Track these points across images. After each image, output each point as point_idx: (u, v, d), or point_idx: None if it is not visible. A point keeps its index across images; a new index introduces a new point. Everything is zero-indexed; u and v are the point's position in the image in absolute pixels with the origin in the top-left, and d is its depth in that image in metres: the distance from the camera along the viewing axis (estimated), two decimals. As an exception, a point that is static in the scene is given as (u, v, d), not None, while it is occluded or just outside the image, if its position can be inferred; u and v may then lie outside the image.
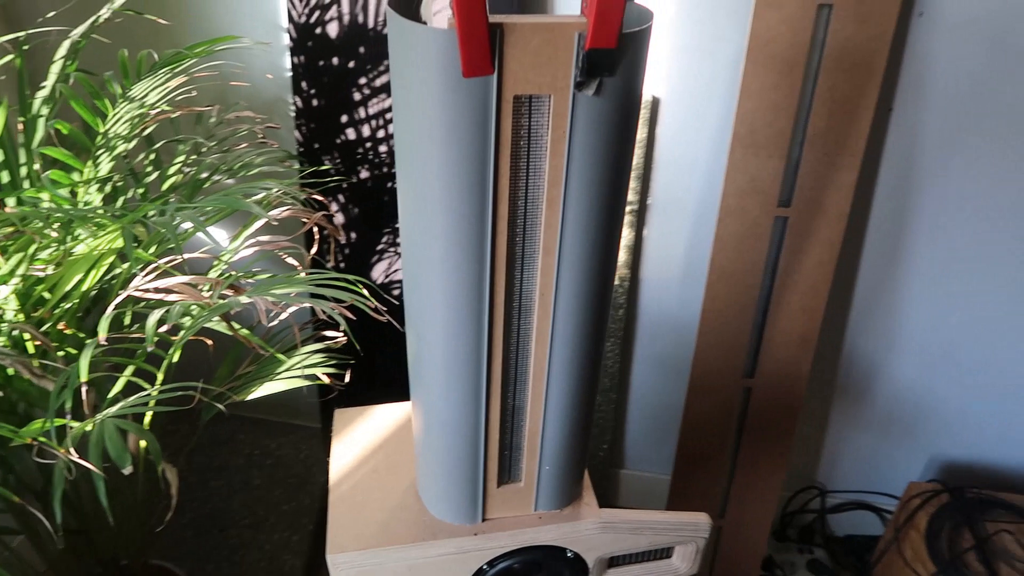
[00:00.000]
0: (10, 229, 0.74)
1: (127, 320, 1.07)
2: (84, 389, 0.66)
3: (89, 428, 0.76)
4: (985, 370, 1.49)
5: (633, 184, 1.32)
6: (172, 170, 1.19)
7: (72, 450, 0.66)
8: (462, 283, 0.61)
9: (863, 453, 1.68)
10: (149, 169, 1.20)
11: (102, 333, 0.68)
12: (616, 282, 1.43)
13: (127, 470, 0.71)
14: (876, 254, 1.37)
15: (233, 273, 1.00)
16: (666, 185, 1.35)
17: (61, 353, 0.96)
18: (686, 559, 0.89)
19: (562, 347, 0.67)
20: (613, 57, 0.51)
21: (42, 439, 0.68)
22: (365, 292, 0.83)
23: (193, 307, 0.90)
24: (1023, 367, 1.48)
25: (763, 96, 1.17)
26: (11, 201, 0.92)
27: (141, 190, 1.15)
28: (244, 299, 0.75)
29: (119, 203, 1.09)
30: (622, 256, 1.40)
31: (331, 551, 0.77)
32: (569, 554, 0.82)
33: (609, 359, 1.51)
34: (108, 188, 1.06)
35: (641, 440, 1.69)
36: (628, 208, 1.35)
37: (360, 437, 0.92)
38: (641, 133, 1.28)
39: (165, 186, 1.17)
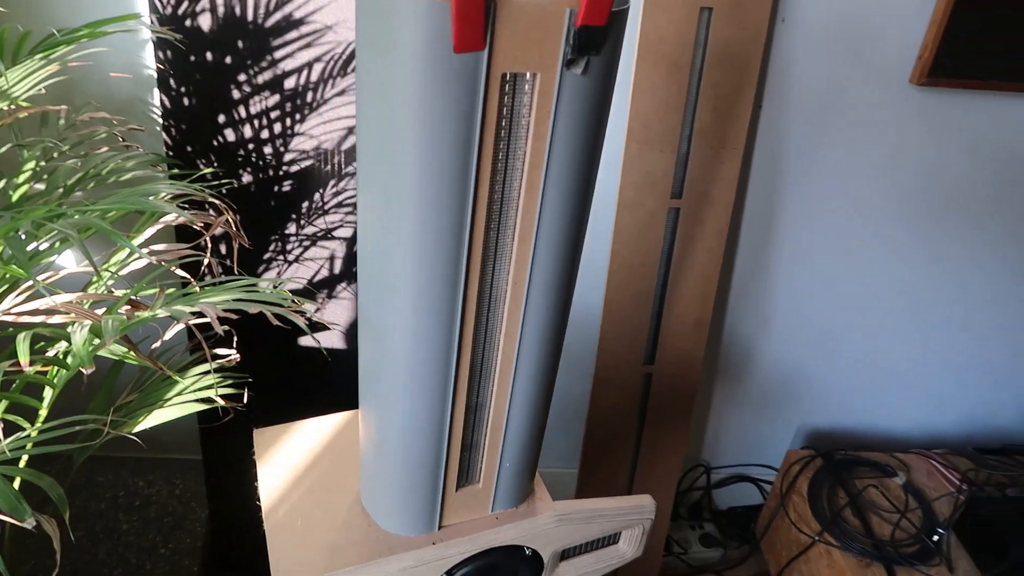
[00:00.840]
0: None
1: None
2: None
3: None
4: (842, 344, 1.66)
5: (532, 181, 1.33)
6: (22, 178, 1.04)
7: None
8: (435, 276, 0.57)
9: (742, 428, 1.80)
10: (-10, 177, 1.04)
11: (23, 357, 0.57)
12: (516, 280, 1.43)
13: (29, 523, 0.60)
14: (751, 241, 1.48)
15: (123, 290, 0.89)
16: (561, 182, 1.37)
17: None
18: (632, 542, 0.90)
19: (530, 338, 0.65)
20: (602, 35, 0.50)
21: None
22: (294, 299, 0.77)
23: (73, 329, 0.78)
24: (874, 342, 1.66)
25: (654, 94, 1.22)
26: None
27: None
28: (186, 308, 0.66)
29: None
30: (521, 254, 1.40)
31: (279, 582, 0.70)
32: (527, 551, 0.81)
33: (510, 358, 1.51)
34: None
35: (548, 436, 1.70)
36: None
37: (287, 457, 0.85)
38: (538, 130, 1.29)
39: (16, 195, 1.02)
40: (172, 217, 0.85)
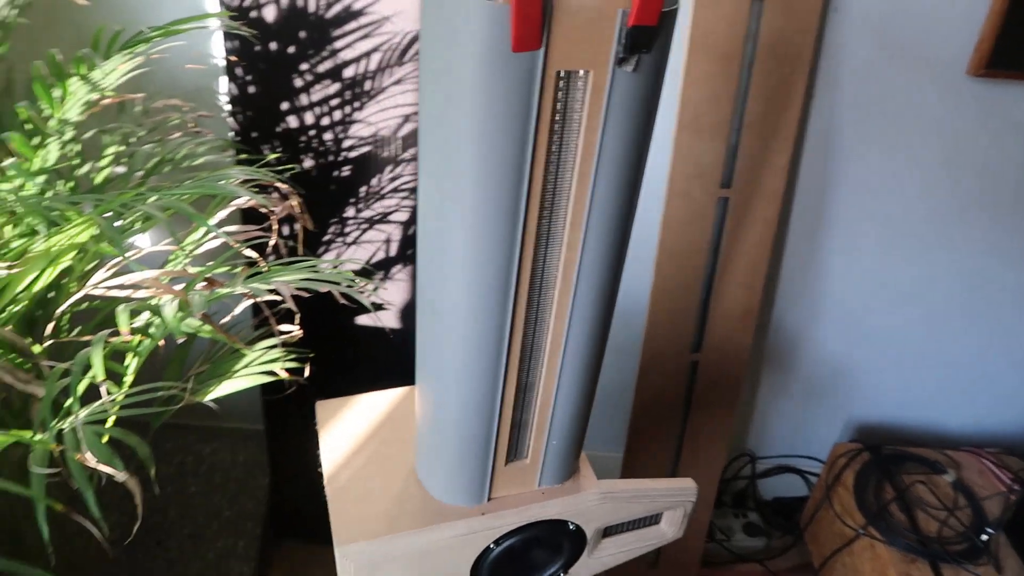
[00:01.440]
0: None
1: (66, 321, 0.99)
2: (80, 386, 0.61)
3: (57, 435, 0.70)
4: (896, 337, 1.64)
5: (583, 169, 1.35)
6: (104, 162, 1.11)
7: (87, 456, 0.62)
8: (491, 259, 0.61)
9: (789, 419, 1.80)
10: (77, 162, 1.12)
11: (123, 326, 0.63)
12: (565, 266, 1.46)
13: (121, 475, 0.67)
14: (801, 231, 1.47)
15: (192, 268, 0.95)
16: (611, 170, 1.39)
17: (6, 360, 0.88)
18: (674, 523, 0.93)
19: (579, 321, 0.68)
20: (653, 34, 0.53)
21: (45, 444, 0.62)
22: (358, 280, 0.81)
23: (166, 304, 0.85)
24: (928, 336, 1.64)
25: (705, 84, 1.23)
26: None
27: (70, 184, 1.07)
28: (261, 286, 0.71)
29: (47, 196, 1.01)
30: (570, 241, 1.43)
31: (339, 543, 0.75)
32: (571, 526, 0.84)
33: (557, 343, 1.54)
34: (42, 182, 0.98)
35: (592, 420, 1.73)
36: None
37: (349, 428, 0.91)
38: (590, 119, 1.31)
39: (99, 179, 1.09)
40: (243, 200, 0.91)
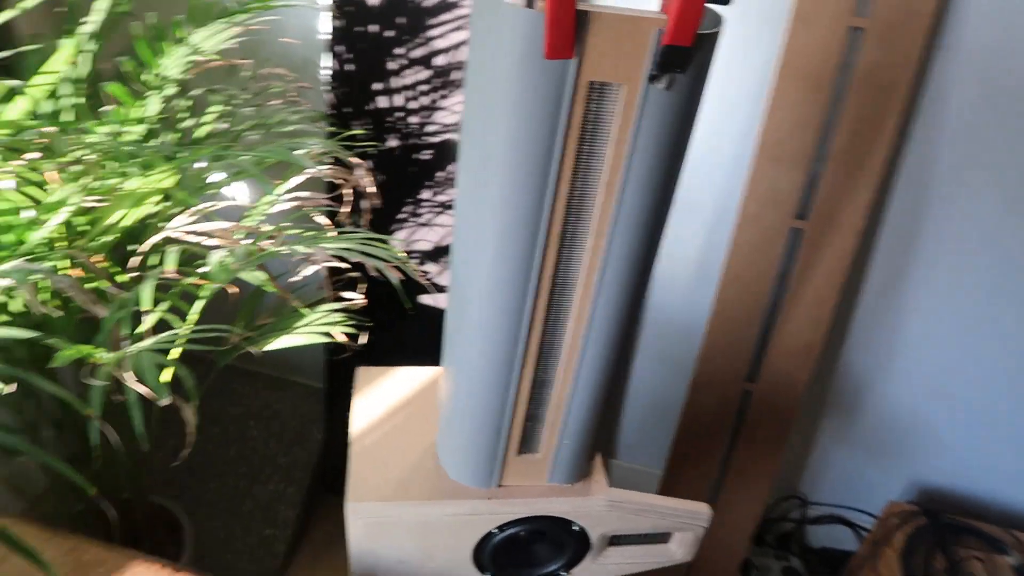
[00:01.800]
0: (68, 160, 0.76)
1: (156, 260, 1.09)
2: (143, 317, 0.68)
3: (121, 359, 0.78)
4: (975, 401, 1.54)
5: (657, 181, 1.35)
6: (207, 119, 1.20)
7: (128, 376, 0.69)
8: (515, 255, 0.63)
9: (846, 468, 1.72)
10: (185, 115, 1.21)
11: (169, 265, 0.70)
12: (629, 275, 1.46)
13: (164, 402, 0.74)
14: (883, 273, 1.41)
15: (268, 226, 1.02)
16: (687, 187, 1.38)
17: (92, 285, 0.97)
18: (683, 545, 0.93)
19: (598, 327, 0.70)
20: (687, 55, 0.54)
21: (100, 359, 0.70)
22: (404, 256, 0.86)
23: (233, 253, 0.92)
24: (1011, 404, 1.53)
25: (791, 110, 1.20)
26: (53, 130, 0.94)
27: (177, 135, 1.17)
28: (303, 248, 0.77)
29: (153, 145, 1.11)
30: (637, 250, 1.43)
31: (352, 499, 0.80)
32: (575, 527, 0.86)
33: (612, 350, 1.54)
34: (144, 131, 1.08)
35: (635, 432, 1.72)
36: (649, 204, 1.38)
37: (382, 396, 0.95)
38: (671, 132, 1.30)
39: (200, 133, 1.19)
40: (316, 170, 0.97)
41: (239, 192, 1.62)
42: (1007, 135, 1.24)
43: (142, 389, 0.67)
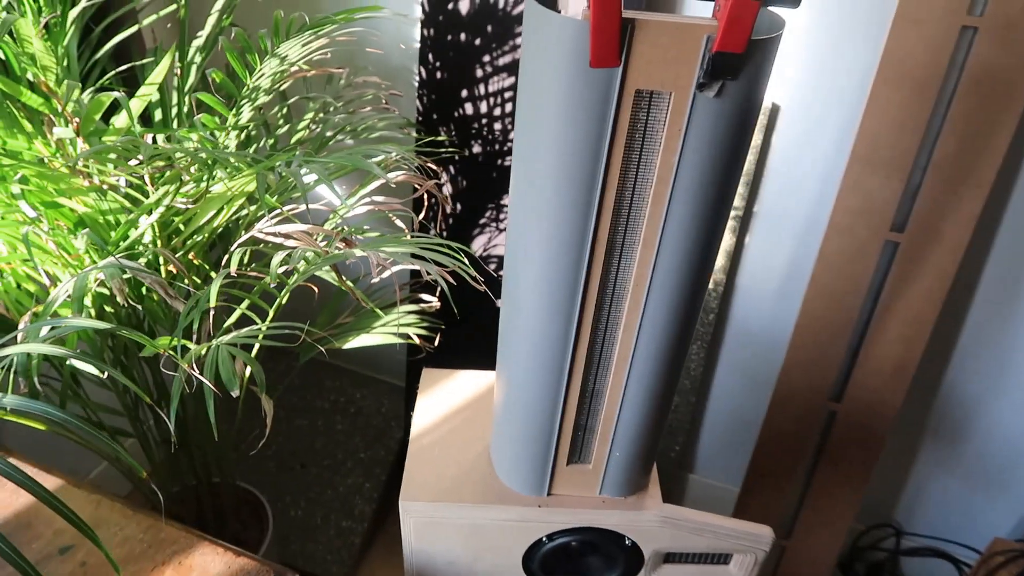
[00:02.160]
0: (162, 163, 0.83)
1: (246, 259, 1.16)
2: (211, 314, 0.73)
3: (205, 351, 0.84)
4: (1098, 432, 1.40)
5: (740, 190, 1.30)
6: (301, 125, 1.27)
7: (194, 365, 0.74)
8: (561, 264, 0.63)
9: (947, 498, 1.60)
10: (281, 122, 1.29)
11: (234, 266, 0.75)
12: (710, 286, 1.42)
13: (235, 393, 0.78)
14: (993, 292, 1.30)
15: (347, 228, 1.07)
16: (775, 194, 1.33)
17: (187, 281, 1.05)
18: (743, 568, 0.89)
19: (648, 339, 0.69)
20: (739, 62, 0.52)
21: (171, 352, 0.76)
22: (466, 261, 0.87)
23: (308, 254, 0.97)
24: None
25: (889, 115, 1.13)
26: (161, 138, 1.01)
27: (272, 141, 1.23)
28: (359, 252, 0.80)
29: (251, 150, 1.18)
30: (720, 261, 1.39)
31: (404, 498, 0.82)
32: (627, 542, 0.84)
33: (693, 362, 1.50)
34: (243, 136, 1.15)
35: (714, 447, 1.67)
36: (733, 213, 1.33)
37: (444, 397, 0.97)
38: (756, 139, 1.26)
39: (293, 139, 1.25)
40: (393, 175, 1.00)
41: (333, 195, 1.69)
42: None
43: (208, 382, 0.71)
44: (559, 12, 0.53)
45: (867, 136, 1.15)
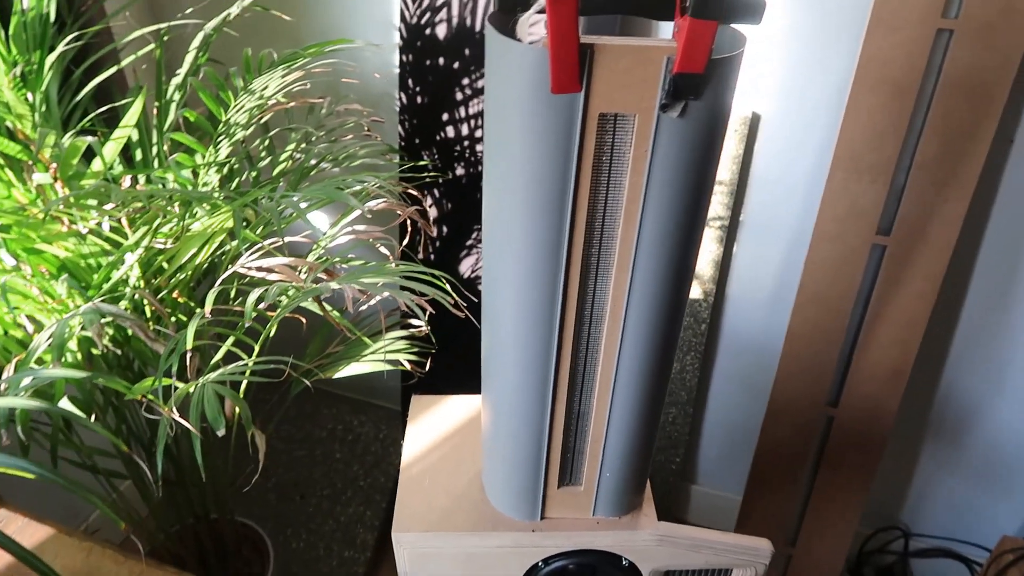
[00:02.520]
0: (139, 205, 0.83)
1: (232, 294, 1.15)
2: (188, 355, 0.73)
3: (191, 390, 0.84)
4: (1099, 425, 1.39)
5: (725, 200, 1.30)
6: (283, 156, 1.27)
7: (174, 409, 0.73)
8: (536, 288, 0.63)
9: (954, 498, 1.59)
10: (263, 154, 1.29)
11: (208, 306, 0.75)
12: (700, 297, 1.41)
13: (220, 432, 0.78)
14: (984, 290, 1.30)
15: (329, 258, 1.07)
16: (761, 203, 1.33)
17: (174, 319, 1.04)
18: (743, 583, 0.88)
19: (629, 359, 0.68)
20: (700, 81, 0.52)
21: (150, 396, 0.75)
22: (447, 287, 0.87)
23: (291, 287, 0.97)
24: None
25: (869, 120, 1.13)
26: (142, 178, 1.02)
27: (254, 173, 1.24)
28: (334, 285, 0.80)
29: (234, 185, 1.18)
30: (709, 271, 1.38)
31: (396, 530, 0.81)
32: (624, 562, 0.83)
33: (688, 373, 1.50)
34: (225, 170, 1.15)
35: (715, 457, 1.66)
36: (719, 224, 1.33)
37: (434, 424, 0.97)
38: (738, 149, 1.26)
39: (276, 171, 1.25)
40: (372, 204, 1.00)
41: (322, 222, 1.69)
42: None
43: (189, 425, 0.71)
44: (518, 39, 0.53)
45: (849, 141, 1.15)
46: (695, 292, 1.41)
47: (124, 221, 0.83)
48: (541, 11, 0.52)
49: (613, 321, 0.66)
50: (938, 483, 1.58)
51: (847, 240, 1.20)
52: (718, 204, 1.31)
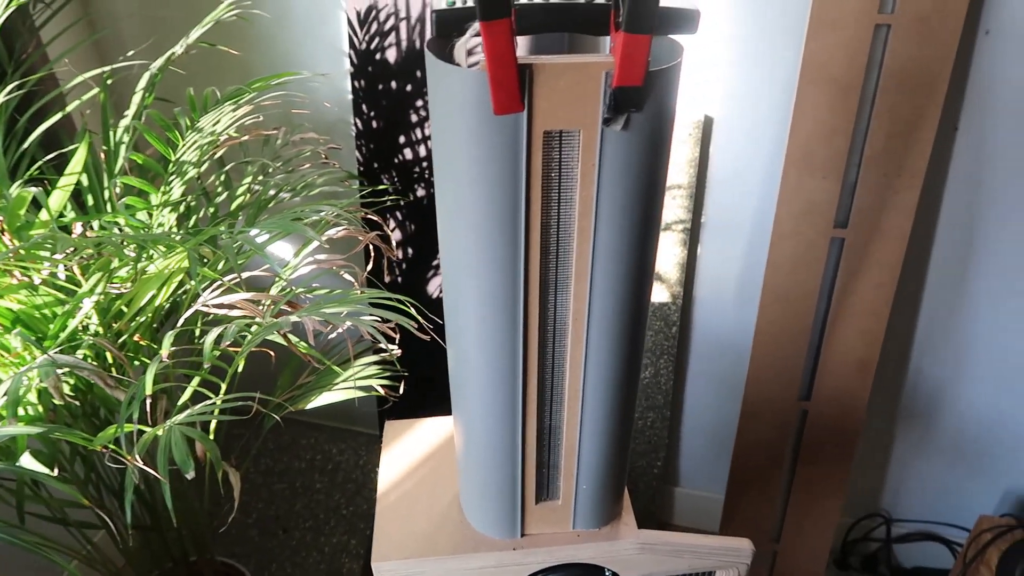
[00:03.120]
0: (90, 251, 0.81)
1: (197, 333, 1.14)
2: (148, 401, 0.72)
3: (160, 434, 0.82)
4: (1063, 398, 1.42)
5: (685, 203, 1.32)
6: (240, 190, 1.26)
7: (138, 456, 0.72)
8: (496, 306, 0.63)
9: (932, 482, 1.61)
10: (220, 189, 1.27)
11: (164, 350, 0.74)
12: (669, 300, 1.42)
13: (190, 475, 0.76)
14: (942, 276, 1.33)
15: (292, 289, 1.06)
16: (720, 204, 1.34)
17: (137, 363, 1.03)
18: (727, 584, 0.88)
19: (596, 368, 0.68)
20: (640, 94, 0.52)
21: (112, 446, 0.74)
22: (413, 311, 0.87)
23: (253, 322, 0.96)
24: (1105, 396, 1.40)
25: (818, 117, 1.16)
26: (96, 223, 1.00)
27: (212, 209, 1.22)
28: (294, 317, 0.79)
29: (192, 222, 1.17)
30: (675, 274, 1.40)
31: (376, 559, 0.80)
32: (608, 573, 0.83)
33: (663, 376, 1.51)
34: (182, 208, 1.14)
35: (695, 458, 1.67)
36: (681, 227, 1.35)
37: (408, 449, 0.96)
38: (694, 153, 1.28)
39: (234, 205, 1.24)
40: (332, 232, 1.00)
41: (285, 252, 1.68)
42: (1059, 117, 1.16)
43: (153, 472, 0.69)
44: (456, 63, 0.53)
45: (800, 139, 1.17)
46: (663, 295, 1.42)
47: (76, 269, 0.82)
48: (477, 34, 0.52)
49: (576, 332, 0.66)
50: (914, 468, 1.60)
51: (806, 235, 1.22)
52: (679, 207, 1.32)
